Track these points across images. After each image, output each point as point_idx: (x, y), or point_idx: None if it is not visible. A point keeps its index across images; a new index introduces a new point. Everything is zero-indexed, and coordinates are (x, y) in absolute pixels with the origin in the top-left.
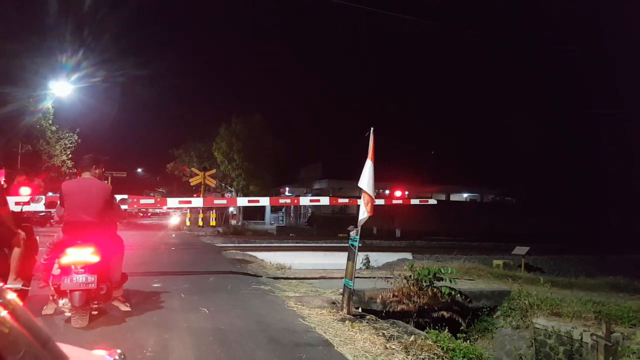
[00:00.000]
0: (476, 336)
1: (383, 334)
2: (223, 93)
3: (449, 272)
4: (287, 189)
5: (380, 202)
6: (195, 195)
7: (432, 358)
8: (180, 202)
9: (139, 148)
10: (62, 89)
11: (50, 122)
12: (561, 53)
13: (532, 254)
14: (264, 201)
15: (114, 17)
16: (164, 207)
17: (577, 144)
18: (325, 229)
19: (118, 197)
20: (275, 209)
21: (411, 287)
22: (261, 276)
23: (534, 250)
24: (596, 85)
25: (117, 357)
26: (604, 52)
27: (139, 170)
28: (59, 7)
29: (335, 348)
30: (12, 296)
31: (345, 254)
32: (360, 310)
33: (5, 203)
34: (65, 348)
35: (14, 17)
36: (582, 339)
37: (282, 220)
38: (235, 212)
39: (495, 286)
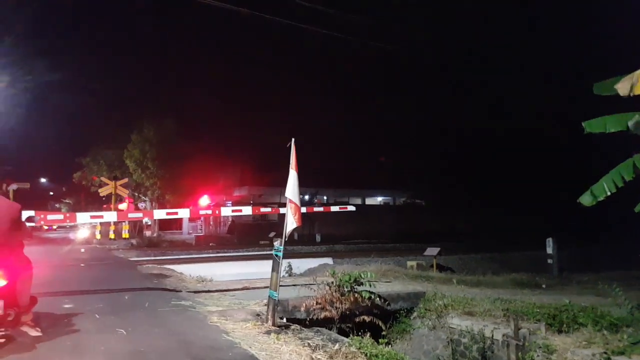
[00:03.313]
0: (395, 338)
1: (308, 344)
2: (133, 97)
3: (368, 276)
4: (205, 197)
5: (302, 210)
6: (105, 207)
7: None
8: (92, 217)
9: (42, 156)
10: None
11: None
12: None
13: (442, 254)
14: (184, 213)
15: (12, 19)
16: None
17: (479, 149)
18: (247, 236)
19: (24, 213)
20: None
21: (333, 294)
22: (181, 291)
23: (444, 251)
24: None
25: None
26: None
27: (43, 180)
28: None
29: None
30: None
31: (267, 262)
32: (284, 320)
33: None
34: None
35: None
36: (493, 336)
37: (201, 230)
38: (150, 223)
39: (411, 288)
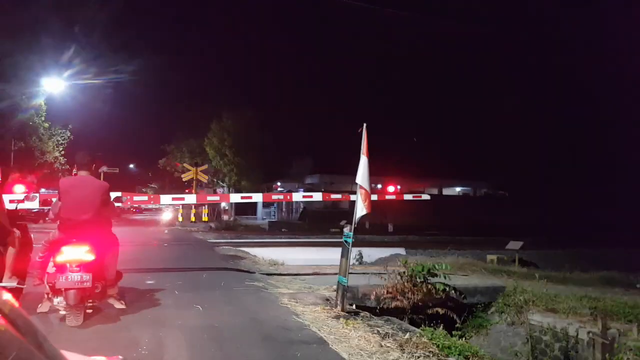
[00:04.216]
0: (471, 333)
1: (378, 331)
2: (214, 88)
3: (443, 267)
4: (278, 183)
5: (373, 197)
6: (187, 191)
7: (428, 356)
8: (174, 198)
9: (131, 144)
10: (55, 85)
11: (42, 118)
12: (552, 45)
13: (525, 249)
14: (257, 197)
15: (104, 14)
16: (157, 204)
17: (570, 138)
18: (318, 223)
19: (112, 194)
20: (267, 204)
21: (405, 284)
22: (254, 272)
23: (528, 245)
24: (594, 79)
25: None
26: (600, 43)
27: (131, 165)
28: (51, 5)
29: (330, 346)
30: (7, 297)
31: (337, 249)
32: (354, 306)
33: (0, 201)
34: (64, 354)
35: (7, 16)
36: (577, 335)
37: (274, 215)
38: (227, 208)
39: (490, 282)
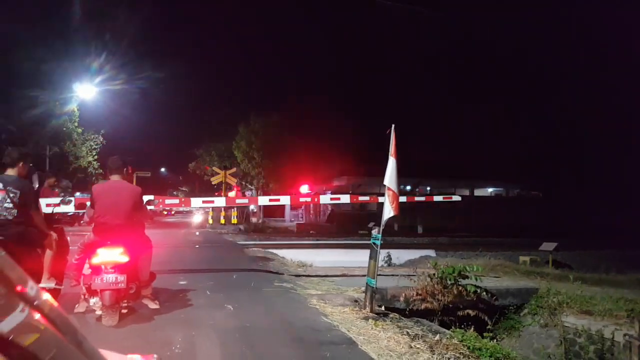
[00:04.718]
0: (503, 335)
1: (407, 332)
2: (243, 92)
3: (474, 269)
4: (306, 186)
5: (402, 199)
6: (217, 194)
7: (458, 357)
8: (204, 201)
9: (161, 148)
10: (87, 91)
11: (76, 124)
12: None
13: (559, 250)
14: (285, 200)
15: (134, 22)
16: (188, 207)
17: (602, 138)
18: (345, 225)
19: (145, 197)
20: (294, 206)
21: (435, 285)
22: (283, 274)
23: (562, 246)
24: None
25: None
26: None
27: (162, 169)
28: (83, 14)
29: (359, 346)
30: (46, 297)
31: (365, 251)
32: (383, 308)
33: (38, 205)
34: (101, 352)
35: (42, 24)
36: (613, 337)
37: (302, 218)
38: (255, 210)
39: (522, 283)
